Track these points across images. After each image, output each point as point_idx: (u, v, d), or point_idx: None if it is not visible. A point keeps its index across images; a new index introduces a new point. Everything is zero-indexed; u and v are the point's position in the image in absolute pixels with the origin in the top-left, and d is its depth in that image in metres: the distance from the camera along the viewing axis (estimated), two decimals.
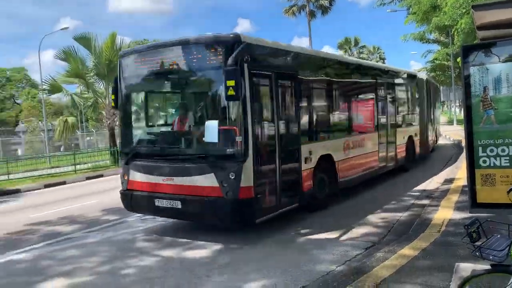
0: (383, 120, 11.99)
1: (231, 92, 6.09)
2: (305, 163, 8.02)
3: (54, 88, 21.28)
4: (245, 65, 6.46)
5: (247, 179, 6.55)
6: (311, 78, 8.81)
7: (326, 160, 8.81)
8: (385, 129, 11.98)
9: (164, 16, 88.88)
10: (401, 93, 13.60)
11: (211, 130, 6.70)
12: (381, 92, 12.03)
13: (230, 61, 6.24)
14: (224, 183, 6.59)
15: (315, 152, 8.36)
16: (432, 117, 16.96)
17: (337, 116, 10.00)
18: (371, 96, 11.64)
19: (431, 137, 16.89)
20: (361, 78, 11.33)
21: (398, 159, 12.58)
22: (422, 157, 15.03)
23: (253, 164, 6.63)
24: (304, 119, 8.39)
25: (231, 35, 6.65)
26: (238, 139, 6.56)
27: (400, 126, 12.96)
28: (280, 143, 7.34)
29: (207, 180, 6.70)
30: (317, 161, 8.40)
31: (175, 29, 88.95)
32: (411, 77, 14.69)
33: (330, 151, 8.99)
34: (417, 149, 14.26)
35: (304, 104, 8.42)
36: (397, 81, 13.30)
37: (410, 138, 13.59)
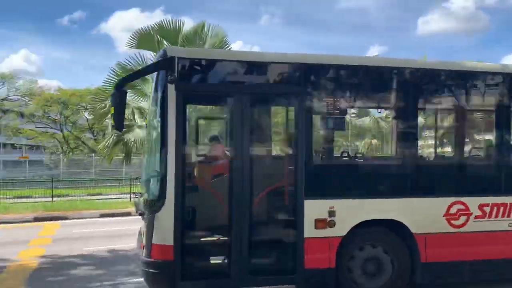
0: None
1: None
2: (318, 228, 5.20)
3: None
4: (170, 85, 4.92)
5: (160, 233, 4.72)
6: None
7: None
8: None
9: (477, 34, 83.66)
10: None
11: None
12: None
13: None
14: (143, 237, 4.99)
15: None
16: None
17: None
18: None
19: None
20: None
21: None
22: None
23: (174, 212, 4.74)
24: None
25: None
26: (153, 176, 4.94)
27: None
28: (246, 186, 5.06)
29: None
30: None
31: (486, 48, 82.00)
32: None
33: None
34: None
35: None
36: None
37: None
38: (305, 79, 5.35)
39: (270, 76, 5.48)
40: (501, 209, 5.65)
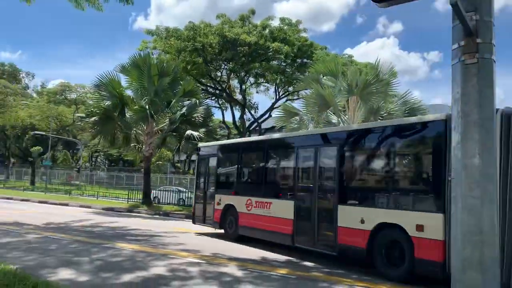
0: None
1: None
2: None
3: None
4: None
5: None
6: None
7: None
8: None
9: None
10: None
11: None
12: None
13: None
14: None
15: None
16: None
17: None
18: None
19: None
20: None
21: None
22: None
23: None
24: None
25: None
26: None
27: None
28: None
29: None
30: None
31: None
32: None
33: None
34: None
35: None
36: None
37: None
38: None
39: None
40: (264, 204, 10.81)
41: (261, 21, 29.09)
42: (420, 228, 7.11)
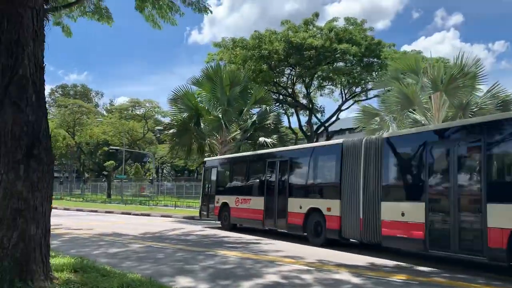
0: None
1: None
2: None
3: None
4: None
5: None
6: None
7: None
8: None
9: None
10: None
11: None
12: None
13: None
14: None
15: None
16: None
17: None
18: None
19: None
20: None
21: None
22: None
23: None
24: None
25: None
26: None
27: None
28: None
29: None
30: None
31: None
32: None
33: None
34: None
35: None
36: None
37: None
38: None
39: None
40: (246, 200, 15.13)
41: (327, 23, 28.85)
42: (329, 209, 11.47)
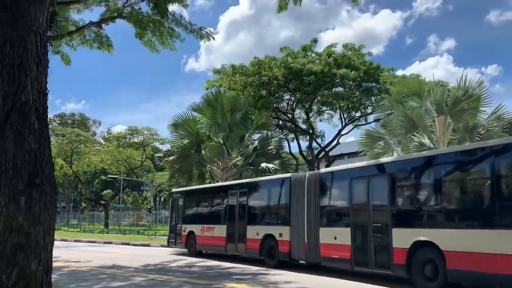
0: None
1: None
2: None
3: None
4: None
5: None
6: None
7: None
8: None
9: None
10: None
11: None
12: None
13: None
14: None
15: None
16: None
17: None
18: None
19: None
20: None
21: None
22: None
23: None
24: None
25: None
26: None
27: None
28: None
29: None
30: None
31: None
32: None
33: None
34: None
35: None
36: None
37: None
38: None
39: None
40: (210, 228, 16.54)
41: (325, 48, 29.01)
42: (280, 235, 13.07)
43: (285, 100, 31.80)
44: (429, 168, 9.45)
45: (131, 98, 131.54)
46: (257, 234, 13.85)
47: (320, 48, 30.47)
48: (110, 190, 49.37)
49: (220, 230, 15.70)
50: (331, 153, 34.70)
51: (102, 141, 62.49)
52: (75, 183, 54.35)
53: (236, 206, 15.30)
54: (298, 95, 28.90)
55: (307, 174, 12.94)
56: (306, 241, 12.05)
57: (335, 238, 10.97)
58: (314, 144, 33.70)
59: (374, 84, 28.99)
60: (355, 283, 9.73)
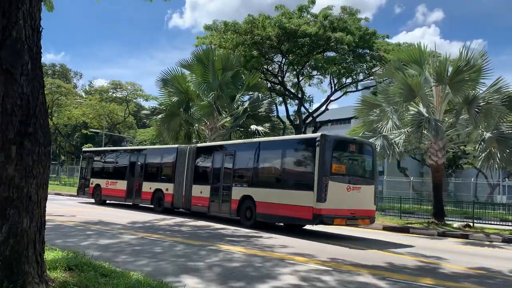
0: None
1: None
2: None
3: None
4: None
5: None
6: None
7: None
8: None
9: None
10: None
11: None
12: None
13: None
14: None
15: None
16: None
17: None
18: None
19: None
20: None
21: None
22: None
23: None
24: None
25: None
26: None
27: None
28: None
29: None
30: None
31: None
32: None
33: None
34: None
35: None
36: None
37: None
38: None
39: None
40: (114, 183, 20.75)
41: (322, 10, 28.04)
42: (167, 189, 17.44)
43: (276, 62, 31.00)
44: (252, 150, 14.22)
45: (112, 52, 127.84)
46: (150, 188, 18.32)
47: (317, 10, 29.52)
48: (90, 144, 48.35)
49: (122, 185, 19.89)
50: (318, 119, 34.39)
51: (83, 94, 60.69)
52: (55, 136, 53.02)
53: (136, 166, 19.62)
54: (290, 58, 28.12)
55: (189, 147, 17.31)
56: (183, 194, 16.56)
57: (201, 192, 15.55)
58: (302, 109, 33.28)
59: (367, 50, 28.39)
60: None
